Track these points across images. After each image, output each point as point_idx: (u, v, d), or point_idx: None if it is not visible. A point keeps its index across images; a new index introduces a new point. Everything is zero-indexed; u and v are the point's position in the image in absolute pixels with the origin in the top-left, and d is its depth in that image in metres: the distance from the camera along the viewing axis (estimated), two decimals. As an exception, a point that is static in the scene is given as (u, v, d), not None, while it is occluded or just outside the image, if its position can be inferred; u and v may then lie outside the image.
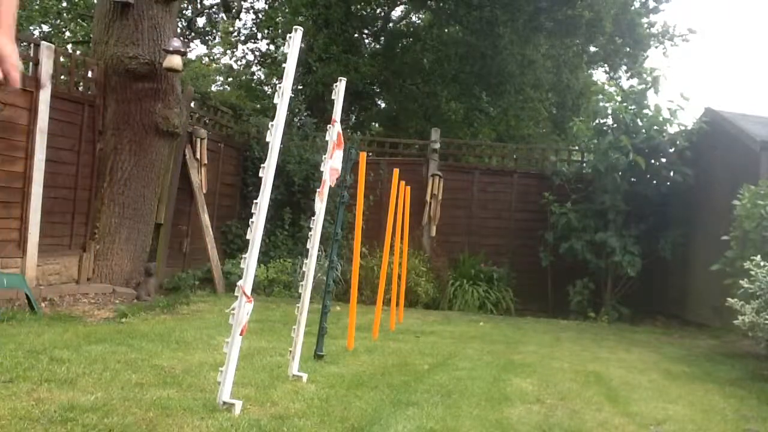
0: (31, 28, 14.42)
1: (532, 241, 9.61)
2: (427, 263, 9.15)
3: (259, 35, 16.09)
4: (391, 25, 15.57)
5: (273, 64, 14.99)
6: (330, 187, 3.53)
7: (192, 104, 8.19)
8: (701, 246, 8.45)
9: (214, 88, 16.53)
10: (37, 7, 14.35)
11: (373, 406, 2.92)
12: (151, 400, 2.67)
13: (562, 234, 9.16)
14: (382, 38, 15.13)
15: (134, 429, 2.32)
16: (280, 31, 14.50)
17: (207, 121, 8.67)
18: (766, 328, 4.84)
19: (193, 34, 16.31)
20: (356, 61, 12.50)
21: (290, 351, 3.47)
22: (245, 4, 16.04)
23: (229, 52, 17.10)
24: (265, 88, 15.70)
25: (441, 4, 13.94)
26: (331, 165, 3.46)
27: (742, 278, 5.23)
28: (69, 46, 14.28)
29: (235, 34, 16.25)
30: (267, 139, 2.79)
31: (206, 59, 18.05)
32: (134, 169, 6.78)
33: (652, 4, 14.86)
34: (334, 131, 3.49)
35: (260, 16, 15.95)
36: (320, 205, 3.46)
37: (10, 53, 1.69)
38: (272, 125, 2.81)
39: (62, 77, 6.32)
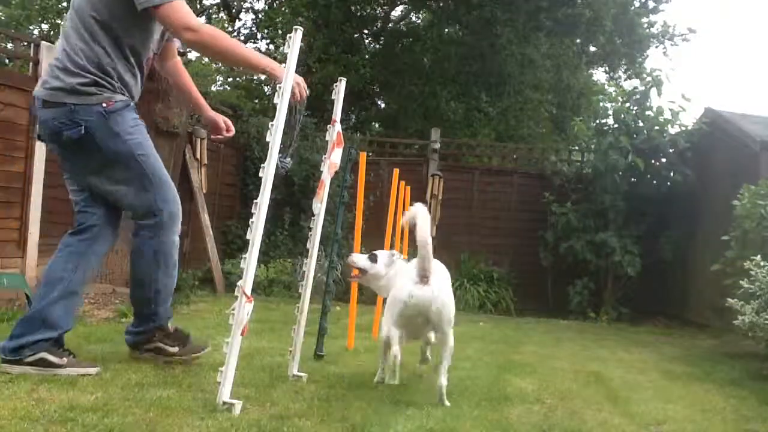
0: (31, 27, 14.42)
1: (532, 241, 9.61)
2: (427, 263, 9.13)
3: (259, 35, 16.09)
4: (391, 25, 15.56)
5: (273, 64, 14.96)
6: (328, 185, 3.53)
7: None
8: (701, 246, 8.45)
9: (214, 88, 16.51)
10: (37, 6, 14.34)
11: (373, 406, 2.92)
12: (151, 400, 2.67)
13: (562, 234, 9.16)
14: (382, 38, 15.12)
15: (134, 429, 2.32)
16: (280, 31, 14.49)
17: (207, 121, 8.66)
18: (766, 328, 4.84)
19: (193, 34, 16.27)
20: (355, 62, 12.48)
21: (290, 351, 3.47)
22: (245, 4, 16.04)
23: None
24: (265, 88, 15.69)
25: (441, 4, 13.93)
26: (331, 160, 3.46)
27: (742, 278, 5.23)
28: (69, 46, 14.25)
29: (235, 34, 16.24)
30: (267, 139, 2.78)
31: (206, 59, 18.02)
32: (134, 169, 6.76)
33: (651, 4, 14.86)
34: (334, 131, 3.49)
35: (260, 16, 15.95)
36: (318, 206, 3.45)
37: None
38: (272, 125, 2.80)
39: (62, 77, 6.31)
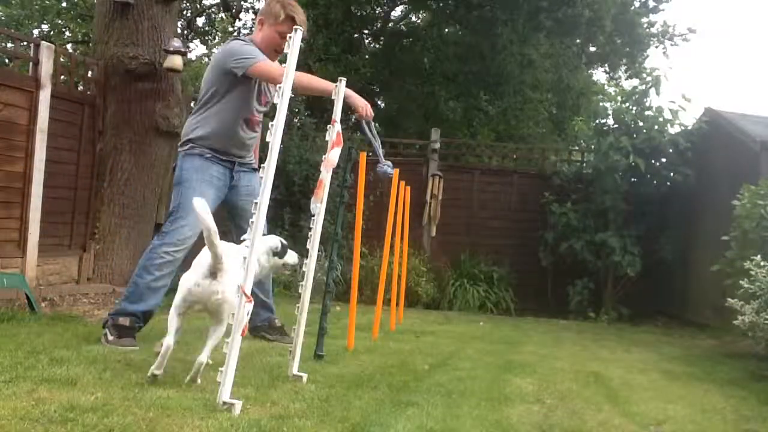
0: (31, 27, 14.41)
1: (532, 241, 9.61)
2: (428, 263, 9.14)
3: (259, 35, 16.06)
4: (391, 25, 15.56)
5: (273, 64, 14.95)
6: (328, 184, 3.53)
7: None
8: (701, 246, 8.45)
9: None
10: (37, 7, 14.33)
11: (373, 406, 2.92)
12: (151, 400, 2.67)
13: (562, 234, 9.16)
14: (382, 38, 15.11)
15: (134, 429, 2.32)
16: (279, 31, 14.46)
17: (207, 121, 8.65)
18: (766, 328, 4.84)
19: (192, 34, 16.30)
20: (355, 62, 12.46)
21: (290, 351, 3.47)
22: (245, 4, 16.03)
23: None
24: (265, 88, 15.67)
25: (440, 4, 13.93)
26: (330, 158, 3.46)
27: (742, 278, 5.23)
28: (69, 46, 14.27)
29: (235, 34, 16.23)
30: (267, 139, 2.78)
31: (206, 59, 18.01)
32: (134, 170, 6.77)
33: (651, 4, 14.84)
34: (334, 131, 3.49)
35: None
36: (317, 206, 3.45)
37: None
38: (272, 125, 2.80)
39: (62, 77, 6.31)
